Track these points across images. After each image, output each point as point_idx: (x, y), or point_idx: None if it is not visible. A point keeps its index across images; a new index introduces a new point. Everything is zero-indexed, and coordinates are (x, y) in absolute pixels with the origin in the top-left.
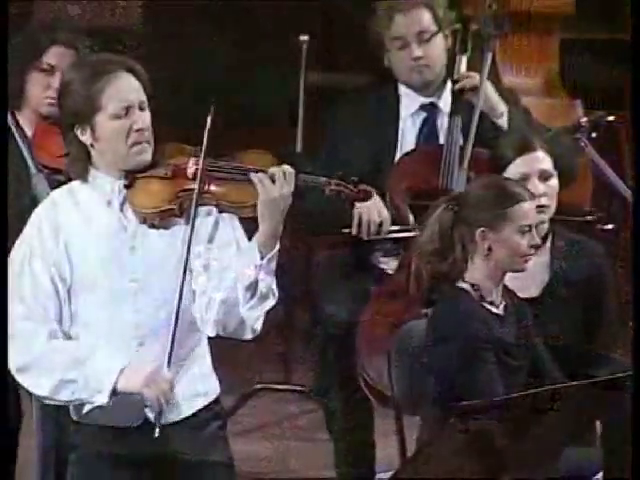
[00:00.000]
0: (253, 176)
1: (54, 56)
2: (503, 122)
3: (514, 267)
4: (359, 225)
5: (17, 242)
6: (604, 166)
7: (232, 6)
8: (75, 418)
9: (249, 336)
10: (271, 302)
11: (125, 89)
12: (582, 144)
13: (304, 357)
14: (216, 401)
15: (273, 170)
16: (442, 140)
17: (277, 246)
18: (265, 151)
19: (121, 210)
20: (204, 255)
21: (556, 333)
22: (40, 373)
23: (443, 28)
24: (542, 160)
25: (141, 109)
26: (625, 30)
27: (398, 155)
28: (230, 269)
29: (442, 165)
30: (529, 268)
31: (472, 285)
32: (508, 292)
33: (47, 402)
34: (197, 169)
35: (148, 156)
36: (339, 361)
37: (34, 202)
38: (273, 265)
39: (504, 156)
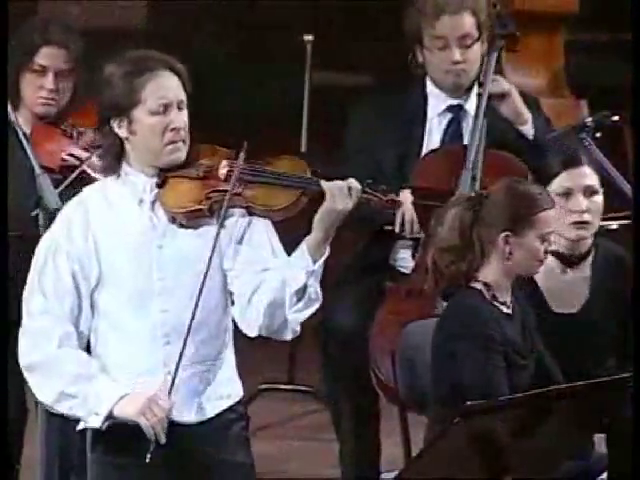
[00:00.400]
0: (325, 184)
1: (45, 57)
2: (528, 130)
3: (529, 271)
4: (402, 224)
5: (44, 238)
6: (609, 166)
7: (236, 6)
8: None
9: (289, 337)
10: (317, 305)
11: (166, 87)
12: (587, 144)
13: (309, 357)
14: (239, 402)
15: (343, 183)
16: (466, 141)
17: (327, 251)
18: (298, 158)
19: (152, 209)
20: (237, 256)
21: (596, 346)
22: (45, 378)
23: (483, 34)
24: (588, 176)
25: (179, 108)
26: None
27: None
28: (271, 271)
29: (465, 165)
30: (570, 283)
31: (485, 284)
32: (513, 292)
33: (49, 409)
34: (229, 171)
35: (182, 155)
36: (350, 363)
37: (39, 202)
38: (321, 270)
39: (550, 169)
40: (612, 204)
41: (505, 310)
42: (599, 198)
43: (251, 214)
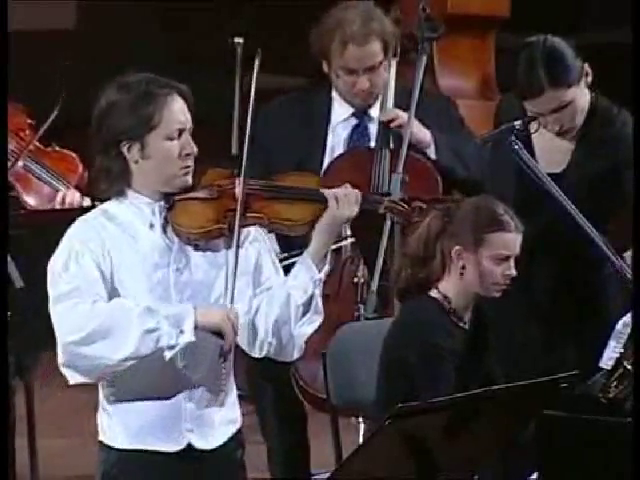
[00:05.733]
0: (327, 192)
1: None
2: (431, 152)
3: (484, 292)
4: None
5: (52, 259)
6: (537, 169)
7: (165, 7)
8: (120, 445)
9: (296, 355)
10: (320, 320)
11: (179, 111)
12: (515, 147)
13: (237, 360)
14: (240, 429)
15: (349, 191)
16: (373, 144)
17: (328, 261)
18: (309, 173)
19: (164, 232)
20: (243, 278)
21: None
22: (115, 333)
23: (389, 52)
24: (553, 99)
25: (189, 133)
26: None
27: (326, 159)
28: (274, 288)
29: (374, 168)
30: (560, 145)
31: (444, 296)
32: (477, 310)
33: (124, 364)
34: (240, 189)
35: (190, 179)
36: (271, 364)
37: None
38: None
39: (519, 97)
40: (540, 205)
41: (461, 324)
42: (570, 108)
43: (271, 230)
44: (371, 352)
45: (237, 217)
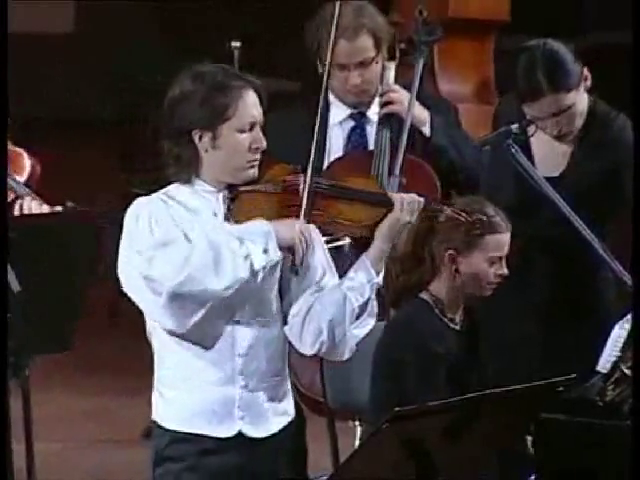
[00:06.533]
0: (395, 196)
1: None
2: (426, 130)
3: (477, 292)
4: None
5: (126, 233)
6: (534, 172)
7: (164, 9)
8: (172, 427)
9: (346, 356)
10: (373, 322)
11: (253, 105)
12: (513, 150)
13: None
14: (292, 421)
15: (413, 197)
16: (371, 146)
17: (383, 264)
18: (367, 175)
19: (227, 221)
20: (302, 274)
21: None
22: (214, 265)
23: (382, 48)
24: (553, 103)
25: (260, 128)
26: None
27: (325, 162)
28: (330, 288)
29: (372, 171)
30: (559, 149)
31: (436, 298)
32: (468, 309)
33: (227, 293)
34: (305, 186)
35: (256, 172)
36: None
37: None
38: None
39: (518, 99)
40: (538, 208)
41: (451, 325)
42: (573, 109)
43: (328, 232)
44: (369, 355)
45: (302, 213)
